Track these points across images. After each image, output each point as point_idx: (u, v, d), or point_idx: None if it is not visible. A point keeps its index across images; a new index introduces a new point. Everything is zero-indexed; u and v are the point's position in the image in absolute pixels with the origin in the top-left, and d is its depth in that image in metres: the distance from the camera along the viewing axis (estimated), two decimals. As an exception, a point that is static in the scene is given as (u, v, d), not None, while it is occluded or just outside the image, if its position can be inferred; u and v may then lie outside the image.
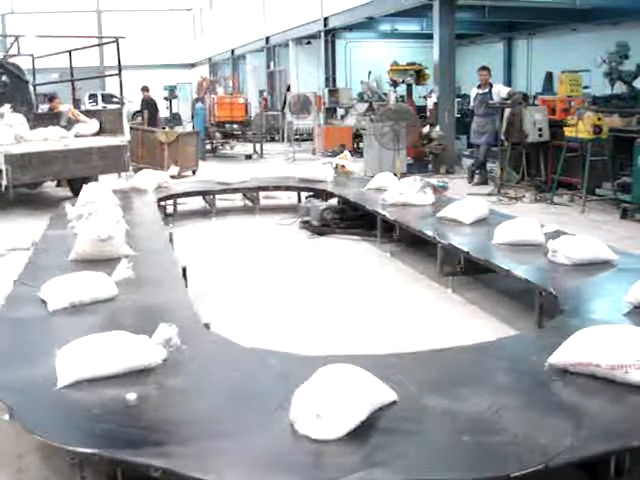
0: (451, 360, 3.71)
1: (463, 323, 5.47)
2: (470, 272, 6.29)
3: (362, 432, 2.75)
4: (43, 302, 4.36)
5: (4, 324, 4.19)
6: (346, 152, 13.16)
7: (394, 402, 2.99)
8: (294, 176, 10.48)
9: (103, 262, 5.19)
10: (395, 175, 9.79)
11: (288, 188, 10.35)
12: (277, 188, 10.40)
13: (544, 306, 4.80)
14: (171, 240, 6.65)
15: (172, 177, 12.01)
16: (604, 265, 5.25)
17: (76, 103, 14.25)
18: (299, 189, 10.24)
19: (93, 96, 31.10)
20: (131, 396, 3.04)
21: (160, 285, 4.98)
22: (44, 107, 14.67)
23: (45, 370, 3.31)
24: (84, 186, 8.09)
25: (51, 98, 13.70)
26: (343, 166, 11.06)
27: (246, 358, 3.69)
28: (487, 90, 12.55)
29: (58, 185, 12.31)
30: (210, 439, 2.79)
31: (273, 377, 3.43)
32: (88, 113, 12.71)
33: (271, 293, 6.36)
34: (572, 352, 3.27)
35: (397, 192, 8.14)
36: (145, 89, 18.57)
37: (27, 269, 5.34)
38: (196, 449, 2.72)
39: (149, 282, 4.98)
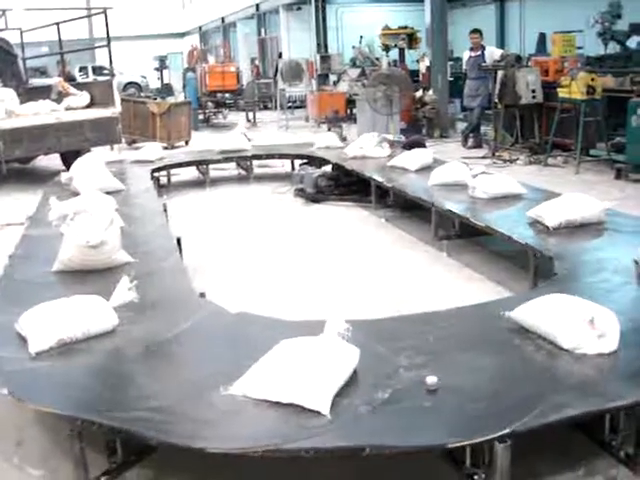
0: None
1: (459, 286, 5.49)
2: (465, 235, 6.35)
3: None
4: (22, 339, 3.37)
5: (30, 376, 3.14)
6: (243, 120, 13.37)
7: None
8: (213, 149, 10.29)
9: (95, 273, 4.38)
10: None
11: (282, 156, 10.35)
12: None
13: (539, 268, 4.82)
14: (165, 211, 6.62)
15: (165, 148, 12.00)
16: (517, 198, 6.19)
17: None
18: (292, 157, 10.23)
19: (84, 69, 30.84)
20: (431, 379, 2.81)
21: (173, 306, 3.96)
22: (34, 81, 14.51)
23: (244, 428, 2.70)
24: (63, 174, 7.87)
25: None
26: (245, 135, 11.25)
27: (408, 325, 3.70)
28: (479, 53, 12.45)
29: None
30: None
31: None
32: (78, 85, 12.61)
33: (268, 260, 6.37)
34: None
35: (357, 146, 9.10)
36: None
37: (2, 286, 4.33)
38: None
39: (158, 303, 3.95)
